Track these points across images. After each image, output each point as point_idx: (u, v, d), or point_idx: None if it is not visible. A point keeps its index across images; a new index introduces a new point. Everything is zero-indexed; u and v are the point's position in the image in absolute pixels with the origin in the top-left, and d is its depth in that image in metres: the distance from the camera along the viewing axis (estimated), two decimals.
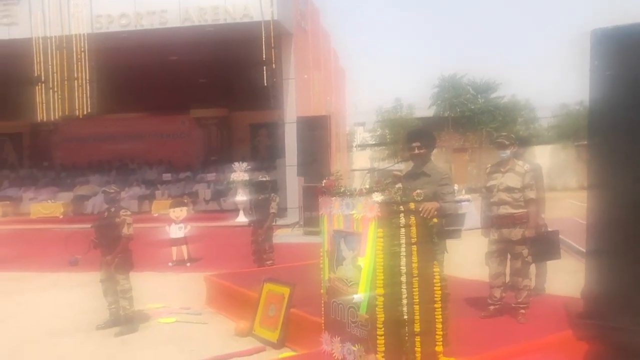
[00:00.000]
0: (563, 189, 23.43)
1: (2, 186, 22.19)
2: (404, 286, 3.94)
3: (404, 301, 3.94)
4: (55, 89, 16.81)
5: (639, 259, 2.92)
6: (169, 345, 5.76)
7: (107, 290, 6.36)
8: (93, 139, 24.39)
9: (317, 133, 14.01)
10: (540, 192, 5.70)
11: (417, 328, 3.98)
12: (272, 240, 8.86)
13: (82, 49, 16.19)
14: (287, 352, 5.25)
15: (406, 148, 4.88)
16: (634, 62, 2.84)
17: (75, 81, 16.78)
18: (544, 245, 5.47)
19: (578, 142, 26.41)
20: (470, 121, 28.62)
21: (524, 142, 6.73)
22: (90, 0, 15.98)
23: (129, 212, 6.43)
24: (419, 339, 3.96)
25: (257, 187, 9.14)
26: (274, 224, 8.97)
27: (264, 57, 15.27)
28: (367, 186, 4.12)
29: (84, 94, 16.85)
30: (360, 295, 3.94)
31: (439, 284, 4.06)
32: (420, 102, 31.28)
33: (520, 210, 5.15)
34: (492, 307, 5.28)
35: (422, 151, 4.71)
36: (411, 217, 3.97)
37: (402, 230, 3.94)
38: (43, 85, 16.90)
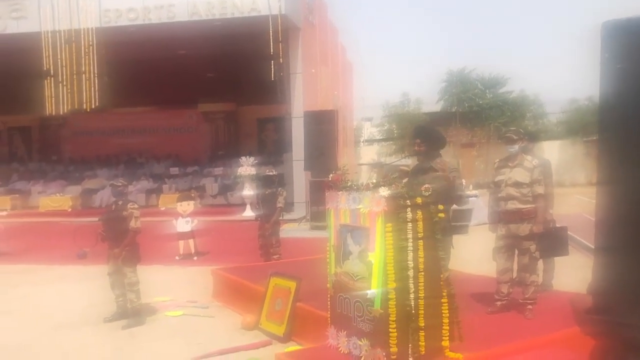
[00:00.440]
0: (571, 185, 23.30)
1: (12, 179, 22.35)
2: (410, 281, 3.93)
3: (411, 295, 3.94)
4: (64, 83, 16.88)
5: None
6: (176, 338, 5.79)
7: (115, 283, 6.39)
8: (101, 133, 24.52)
9: (324, 127, 13.98)
10: (548, 187, 5.66)
11: (422, 323, 3.97)
12: (279, 234, 8.86)
13: (91, 43, 16.24)
14: (293, 346, 5.25)
15: (409, 144, 4.89)
16: None
17: (84, 75, 16.84)
18: (552, 241, 5.43)
19: (587, 138, 26.24)
20: (478, 116, 28.47)
21: (532, 137, 6.69)
22: None
23: (136, 206, 6.45)
24: (424, 334, 3.95)
25: (264, 181, 9.14)
26: (280, 218, 8.98)
27: (271, 51, 15.25)
28: (374, 180, 4.11)
29: (93, 88, 16.91)
30: (373, 291, 3.93)
31: (446, 279, 4.05)
32: (428, 97, 31.18)
33: (528, 206, 5.11)
34: (499, 303, 5.26)
35: (422, 148, 4.72)
36: (418, 211, 3.95)
37: (409, 224, 3.93)
38: (52, 79, 16.97)
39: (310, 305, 5.39)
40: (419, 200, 3.96)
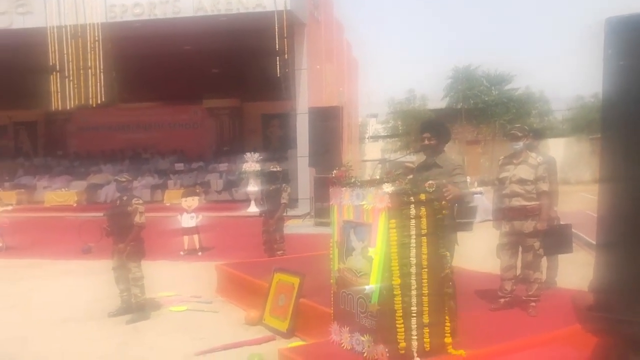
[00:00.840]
0: (577, 182, 23.21)
1: (17, 174, 22.46)
2: (413, 277, 3.94)
3: (414, 292, 3.94)
4: (70, 78, 16.90)
5: None
6: (180, 333, 5.81)
7: (119, 278, 6.42)
8: (107, 128, 24.59)
9: (329, 124, 13.97)
10: (553, 184, 5.65)
11: (426, 319, 3.98)
12: (283, 230, 8.87)
13: (96, 38, 16.24)
14: (297, 342, 5.27)
15: (417, 139, 4.86)
16: None
17: (90, 70, 16.85)
18: (556, 238, 5.42)
19: (593, 135, 26.09)
20: (484, 113, 28.35)
21: (537, 134, 6.66)
22: None
23: (141, 201, 6.47)
24: (427, 330, 3.96)
25: (268, 177, 9.14)
26: (285, 214, 8.99)
27: (276, 47, 15.23)
28: (378, 177, 4.11)
29: (98, 83, 16.92)
30: (371, 286, 3.94)
31: (449, 276, 4.05)
32: (434, 94, 31.02)
33: (533, 203, 5.10)
34: (502, 300, 5.26)
35: (432, 142, 4.69)
36: (422, 208, 3.95)
37: (413, 221, 3.93)
38: (58, 74, 16.99)
39: (314, 301, 5.40)
40: (422, 196, 3.95)
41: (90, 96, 17.01)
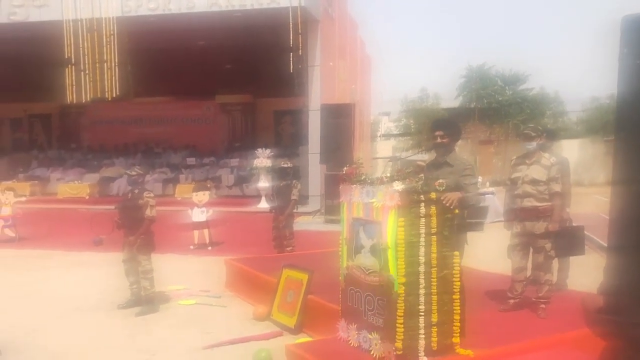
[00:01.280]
0: (590, 185, 22.98)
1: (31, 166, 22.67)
2: (422, 276, 3.92)
3: (422, 291, 3.92)
4: (85, 72, 17.03)
5: None
6: (188, 327, 5.84)
7: (129, 271, 6.46)
8: (120, 122, 24.72)
9: (340, 121, 13.95)
10: (566, 186, 5.60)
11: (434, 318, 3.96)
12: (293, 227, 8.88)
13: (112, 32, 16.34)
14: (304, 338, 5.27)
15: (429, 137, 4.83)
16: None
17: (105, 64, 16.97)
18: (568, 240, 5.37)
19: (607, 137, 25.82)
20: (497, 113, 28.17)
21: (551, 134, 6.60)
22: None
23: (152, 195, 6.50)
24: (435, 330, 3.94)
25: (279, 173, 9.16)
26: (295, 210, 8.99)
27: (290, 43, 15.22)
28: (388, 175, 4.09)
29: (113, 77, 17.04)
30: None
31: (458, 275, 4.03)
32: (447, 93, 30.90)
33: (545, 204, 5.06)
34: (512, 301, 5.22)
35: (444, 140, 4.66)
36: (432, 207, 3.93)
37: (422, 220, 3.91)
38: (73, 67, 17.13)
39: (322, 298, 5.40)
40: (433, 195, 3.93)
41: (105, 90, 17.13)
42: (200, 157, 21.84)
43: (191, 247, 10.19)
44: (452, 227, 3.99)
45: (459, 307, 4.02)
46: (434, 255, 3.94)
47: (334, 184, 12.98)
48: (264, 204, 15.65)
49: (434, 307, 3.96)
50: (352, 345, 4.35)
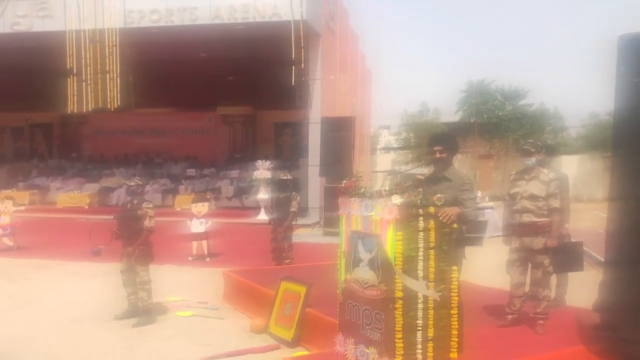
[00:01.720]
0: (589, 201, 22.98)
1: (31, 175, 22.69)
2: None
3: (420, 305, 3.92)
4: (87, 82, 17.08)
5: None
6: (185, 339, 5.81)
7: (127, 281, 6.45)
8: (121, 133, 24.79)
9: (341, 134, 14.00)
10: (565, 201, 5.60)
11: (430, 333, 3.95)
12: (292, 239, 8.86)
13: (114, 43, 16.42)
14: (301, 351, 5.25)
15: (428, 152, 4.84)
16: None
17: (107, 75, 17.03)
18: (566, 256, 5.36)
19: (606, 153, 25.87)
20: (497, 128, 28.24)
21: (550, 150, 6.62)
22: None
23: (151, 205, 6.51)
24: (432, 345, 3.93)
25: (278, 185, 9.16)
26: (294, 223, 8.98)
27: (291, 56, 15.30)
28: (387, 188, 4.10)
29: (115, 88, 17.09)
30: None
31: (456, 290, 4.02)
32: (447, 107, 31.05)
33: (543, 219, 5.06)
34: (510, 317, 5.20)
35: (443, 155, 4.67)
36: (430, 221, 3.94)
37: (421, 234, 3.92)
38: (75, 77, 17.18)
39: (320, 311, 5.39)
40: (431, 209, 3.94)
41: (107, 100, 17.17)
42: (201, 168, 21.88)
43: (189, 258, 10.17)
44: (450, 241, 3.99)
45: (456, 322, 4.01)
46: (432, 270, 3.93)
47: (333, 197, 12.96)
48: (263, 216, 15.63)
49: (431, 322, 3.95)
50: (349, 359, 4.33)
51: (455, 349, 4.01)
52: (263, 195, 15.75)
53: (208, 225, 10.42)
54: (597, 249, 9.03)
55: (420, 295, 3.89)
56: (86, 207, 19.29)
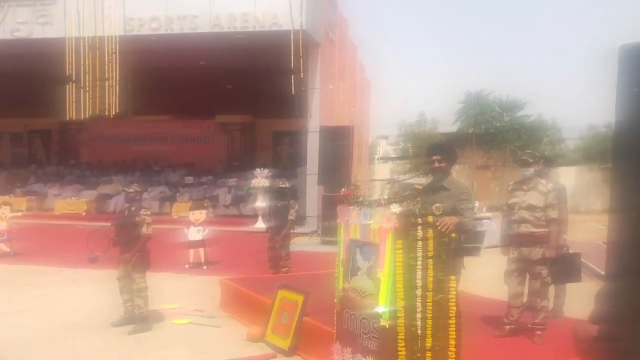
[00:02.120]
0: (587, 212, 23.00)
1: (29, 181, 22.64)
2: (418, 300, 3.90)
3: (418, 315, 3.90)
4: (86, 89, 17.11)
5: None
6: (182, 347, 5.79)
7: (124, 288, 6.42)
8: (119, 139, 24.78)
9: (339, 143, 14.02)
10: (563, 212, 5.61)
11: (428, 343, 3.93)
12: (289, 247, 8.85)
13: (114, 51, 16.47)
14: None
15: (426, 161, 4.85)
16: None
17: (106, 82, 17.06)
18: (564, 267, 5.35)
19: (604, 165, 25.94)
20: (495, 139, 28.31)
21: (548, 161, 6.63)
22: (123, 3, 16.27)
23: (149, 212, 6.50)
24: (429, 355, 3.91)
25: (276, 193, 9.15)
26: (292, 231, 8.97)
27: (290, 65, 15.35)
28: (386, 197, 4.10)
29: (114, 95, 17.11)
30: (381, 307, 3.89)
31: (454, 300, 4.01)
32: (445, 118, 31.13)
33: (542, 230, 5.06)
34: (508, 327, 5.19)
35: (442, 165, 4.68)
36: (429, 230, 3.93)
37: (419, 243, 3.91)
38: (74, 84, 17.21)
39: (317, 320, 5.37)
40: (430, 218, 3.93)
41: (105, 107, 17.19)
42: (199, 176, 21.86)
43: (186, 266, 10.14)
44: (449, 251, 3.99)
45: (454, 332, 4.00)
46: (430, 279, 3.92)
47: (331, 205, 12.98)
48: (260, 224, 15.62)
49: (429, 332, 3.93)
50: None
51: (454, 359, 3.98)
52: (261, 203, 15.74)
53: (205, 233, 10.41)
54: (594, 261, 9.04)
55: (419, 304, 3.88)
56: (83, 213, 19.24)
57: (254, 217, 16.67)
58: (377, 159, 37.65)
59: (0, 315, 6.93)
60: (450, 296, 3.99)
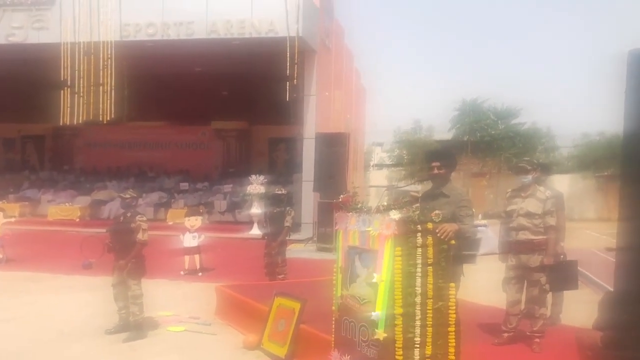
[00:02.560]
0: (581, 220, 23.09)
1: (22, 187, 22.49)
2: (417, 307, 3.87)
3: (417, 322, 3.87)
4: (81, 94, 17.04)
5: None
6: (177, 354, 5.73)
7: (118, 295, 6.36)
8: (114, 145, 24.68)
9: (335, 150, 14.00)
10: (560, 220, 5.61)
11: (428, 351, 3.90)
12: (285, 254, 8.81)
13: (109, 56, 16.42)
14: None
15: (426, 168, 4.83)
16: None
17: (101, 87, 17.00)
18: (562, 274, 5.35)
19: (598, 173, 26.07)
20: (490, 146, 28.40)
21: (546, 168, 6.64)
22: (119, 9, 16.25)
23: (144, 218, 6.44)
24: None
25: (272, 200, 9.12)
26: (288, 238, 8.94)
27: (287, 72, 15.36)
28: (385, 203, 4.08)
29: (109, 101, 17.04)
30: (377, 313, 3.86)
31: (454, 307, 3.98)
32: (440, 125, 31.22)
33: (540, 237, 5.06)
34: (506, 335, 5.17)
35: (441, 171, 4.67)
36: (428, 237, 3.91)
37: (419, 250, 3.89)
38: (69, 89, 17.14)
39: (314, 328, 5.33)
40: (430, 225, 3.91)
41: (100, 113, 17.12)
42: (194, 182, 21.78)
43: (182, 272, 10.08)
44: (448, 258, 3.97)
45: (454, 340, 3.97)
46: (430, 286, 3.89)
47: (327, 212, 12.96)
48: (256, 231, 15.56)
49: (429, 340, 3.90)
50: None
51: None
52: (256, 210, 15.69)
53: (201, 239, 10.35)
54: (589, 268, 9.06)
55: (418, 312, 3.85)
56: (77, 219, 19.13)
57: (249, 223, 16.60)
58: (372, 166, 37.68)
59: None
60: (450, 304, 3.97)
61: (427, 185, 4.90)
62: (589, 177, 26.79)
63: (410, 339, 3.83)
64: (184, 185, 21.17)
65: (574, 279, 5.57)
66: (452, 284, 4.02)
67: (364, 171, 31.11)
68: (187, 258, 10.24)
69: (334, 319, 4.51)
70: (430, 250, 3.90)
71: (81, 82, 16.79)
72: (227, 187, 20.36)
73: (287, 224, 8.50)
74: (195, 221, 10.49)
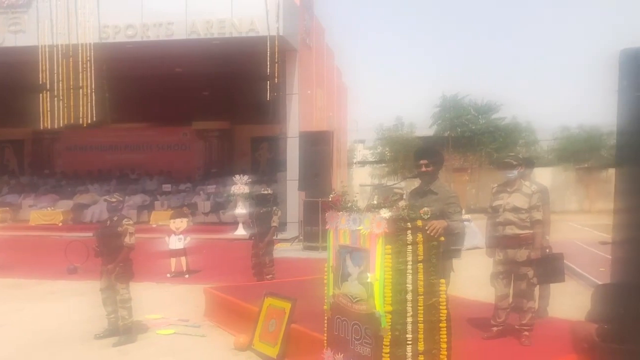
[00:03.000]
0: (562, 212, 23.42)
1: (2, 192, 22.14)
2: (409, 304, 3.91)
3: (409, 319, 3.91)
4: (60, 97, 16.80)
5: None
6: (167, 357, 5.71)
7: (107, 300, 6.31)
8: (95, 148, 24.42)
9: (319, 148, 14.01)
10: (546, 213, 5.68)
11: (420, 347, 3.94)
12: (273, 254, 8.81)
13: (88, 58, 16.20)
14: None
15: (414, 165, 4.87)
16: None
17: (80, 90, 16.77)
18: (549, 267, 5.44)
19: (579, 165, 26.44)
20: (471, 141, 28.63)
21: (530, 163, 6.73)
22: (97, 10, 16.05)
23: (131, 222, 6.40)
24: (422, 358, 3.92)
25: (259, 200, 9.11)
26: (274, 237, 8.93)
27: (268, 71, 15.33)
28: (375, 202, 4.11)
29: (89, 103, 16.83)
30: (373, 312, 3.89)
31: (444, 303, 4.03)
32: (421, 121, 31.35)
33: (526, 231, 5.12)
34: (495, 329, 5.23)
35: (429, 169, 4.71)
36: (418, 234, 3.95)
37: (409, 247, 3.92)
38: (48, 93, 16.89)
39: (305, 327, 5.34)
40: (419, 223, 3.95)
41: (80, 116, 16.90)
42: (177, 183, 21.65)
43: (168, 275, 10.02)
44: (438, 254, 4.01)
45: (445, 336, 4.01)
46: (420, 283, 3.94)
47: (312, 211, 12.97)
48: (241, 231, 15.53)
49: (421, 336, 3.94)
50: None
51: None
52: (241, 210, 15.65)
53: (187, 241, 10.30)
54: (573, 260, 9.20)
55: (409, 309, 3.88)
56: (60, 224, 18.89)
57: (234, 224, 16.56)
58: (355, 164, 37.75)
59: None
60: (441, 299, 4.01)
61: (412, 183, 4.94)
62: (570, 170, 27.17)
63: (402, 335, 3.86)
64: (167, 187, 21.03)
65: (561, 271, 5.68)
66: (443, 280, 4.06)
67: (348, 169, 31.17)
68: (173, 260, 10.18)
69: (326, 318, 4.52)
70: (421, 248, 3.94)
71: (60, 85, 16.55)
72: (211, 188, 20.27)
73: (274, 224, 8.50)
74: (182, 223, 10.43)
